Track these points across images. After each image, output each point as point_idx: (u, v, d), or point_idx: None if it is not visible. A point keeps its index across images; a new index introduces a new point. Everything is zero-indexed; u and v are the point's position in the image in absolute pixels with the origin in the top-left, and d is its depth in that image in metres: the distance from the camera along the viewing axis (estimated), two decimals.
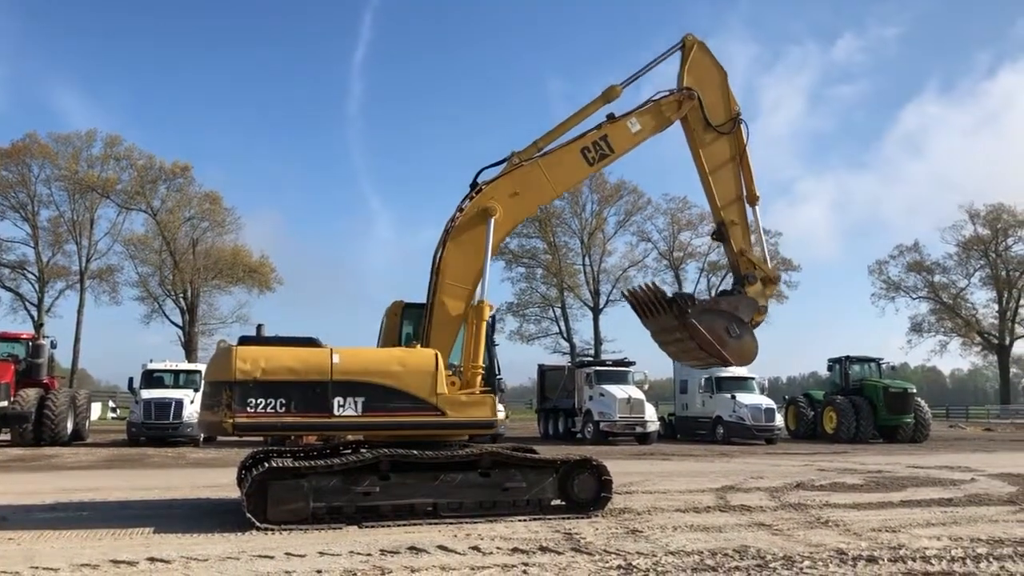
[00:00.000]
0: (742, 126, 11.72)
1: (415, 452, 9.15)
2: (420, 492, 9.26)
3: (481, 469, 9.48)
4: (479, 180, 10.75)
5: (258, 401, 8.83)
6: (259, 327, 10.02)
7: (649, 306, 11.37)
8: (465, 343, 10.16)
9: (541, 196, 11.08)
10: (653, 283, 11.74)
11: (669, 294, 11.25)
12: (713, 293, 66.31)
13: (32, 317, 55.62)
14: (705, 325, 10.88)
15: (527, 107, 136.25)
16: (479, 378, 10.00)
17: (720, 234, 11.77)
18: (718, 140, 11.60)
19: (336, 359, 9.15)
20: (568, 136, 11.15)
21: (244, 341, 9.32)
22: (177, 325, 58.61)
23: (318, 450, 10.13)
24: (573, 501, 9.84)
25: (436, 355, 9.58)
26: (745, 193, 11.76)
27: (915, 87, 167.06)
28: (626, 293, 11.88)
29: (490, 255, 10.28)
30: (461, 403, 9.55)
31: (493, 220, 10.28)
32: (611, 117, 11.18)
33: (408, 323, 11.34)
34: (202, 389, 9.68)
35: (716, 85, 11.69)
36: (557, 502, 9.85)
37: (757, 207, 11.89)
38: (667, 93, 11.46)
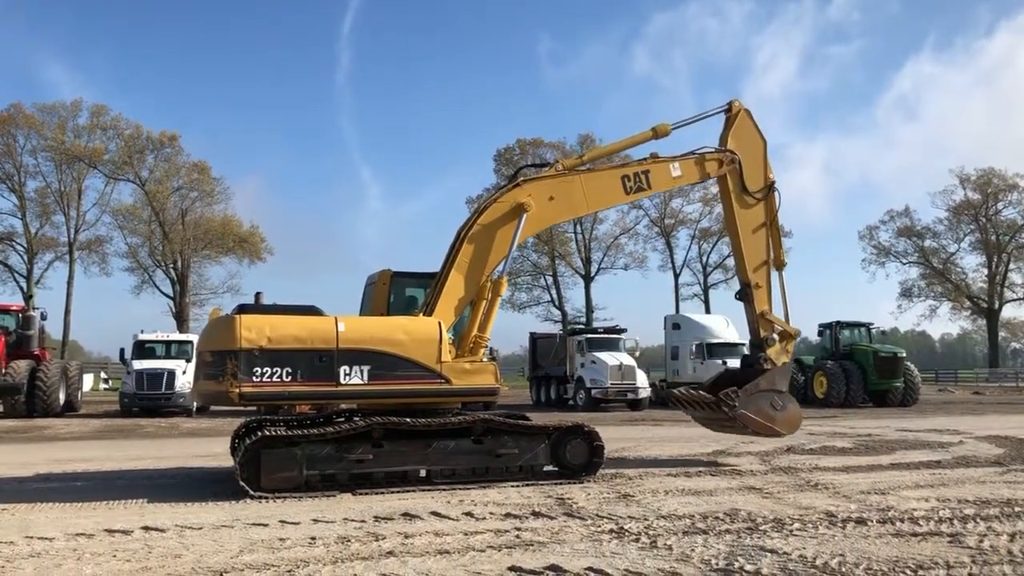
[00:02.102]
0: (775, 194, 12.23)
1: (408, 420, 9.19)
2: (413, 459, 9.30)
3: (474, 436, 9.53)
4: (520, 176, 11.07)
5: (264, 370, 8.80)
6: (257, 295, 9.94)
7: (696, 405, 12.00)
8: (475, 313, 10.28)
9: (574, 208, 11.38)
10: (697, 391, 12.39)
11: (711, 397, 11.60)
12: (704, 259, 66.85)
13: (21, 289, 55.33)
14: (753, 410, 11.33)
15: (517, 75, 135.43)
16: (482, 350, 10.09)
17: (744, 294, 12.24)
18: (754, 205, 12.07)
19: (342, 327, 9.14)
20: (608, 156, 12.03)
21: (243, 309, 9.25)
22: (168, 296, 58.45)
23: (311, 419, 10.15)
24: (565, 467, 9.92)
25: (439, 323, 9.61)
26: (772, 257, 12.27)
27: (912, 45, 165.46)
28: (671, 398, 12.57)
29: (514, 247, 10.48)
30: (465, 371, 9.61)
31: (526, 216, 10.46)
32: (654, 156, 11.66)
33: (395, 292, 11.32)
34: (199, 358, 9.57)
35: (756, 152, 12.23)
36: (549, 468, 9.91)
37: (783, 271, 12.44)
38: (711, 150, 11.96)
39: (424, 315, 9.95)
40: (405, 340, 9.32)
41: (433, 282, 10.42)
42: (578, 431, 10.04)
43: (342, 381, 9.05)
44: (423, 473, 9.42)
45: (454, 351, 9.88)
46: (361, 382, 9.12)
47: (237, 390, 8.71)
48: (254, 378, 8.76)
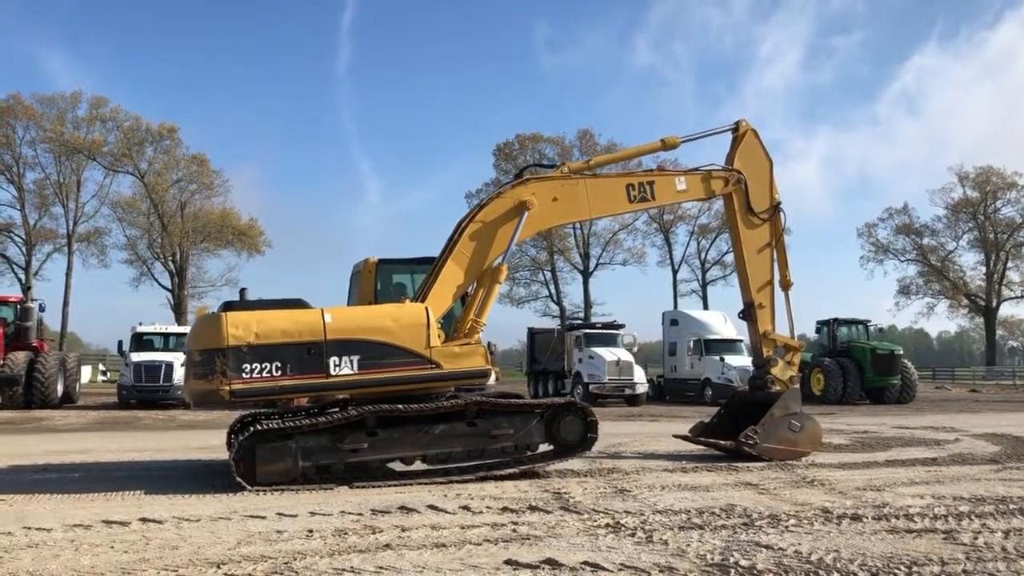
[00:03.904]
0: (781, 214, 12.26)
1: (400, 407, 9.17)
2: (408, 446, 9.27)
3: (467, 419, 9.50)
4: (526, 175, 11.08)
5: (253, 366, 8.77)
6: (242, 291, 9.99)
7: (717, 449, 12.11)
8: (473, 297, 10.33)
9: (577, 212, 11.38)
10: (713, 422, 12.50)
11: (732, 443, 11.59)
12: (702, 256, 66.89)
13: (20, 280, 55.39)
14: (774, 441, 11.34)
15: (516, 65, 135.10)
16: (477, 334, 10.10)
17: (747, 314, 12.25)
18: (759, 226, 12.11)
19: (328, 318, 9.12)
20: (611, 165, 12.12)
21: (228, 306, 9.23)
22: (166, 288, 58.56)
23: (304, 409, 10.17)
24: (560, 444, 9.88)
25: (426, 309, 9.60)
26: (778, 278, 12.28)
27: (919, 36, 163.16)
28: (697, 441, 12.54)
29: (514, 243, 10.47)
30: (455, 354, 9.60)
31: (527, 214, 10.45)
32: (662, 168, 11.79)
33: (382, 279, 11.30)
34: (188, 358, 9.54)
35: (763, 172, 12.24)
36: (545, 447, 9.90)
37: (790, 292, 12.39)
38: (718, 167, 12.00)
39: (419, 301, 9.93)
40: (393, 327, 9.30)
41: (429, 269, 10.43)
42: (571, 407, 10.03)
43: (332, 372, 9.03)
44: (419, 460, 9.42)
45: (443, 335, 9.88)
46: (352, 372, 9.11)
47: (227, 388, 8.69)
48: (244, 375, 8.74)
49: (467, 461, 9.48)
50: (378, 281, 11.26)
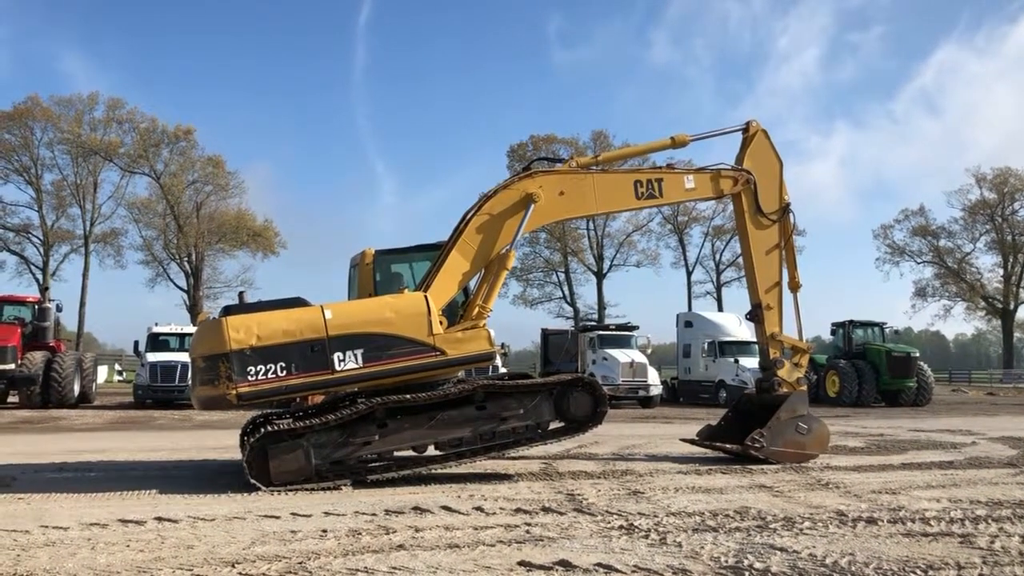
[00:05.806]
0: (790, 216, 12.22)
1: (408, 396, 9.17)
2: (419, 434, 9.29)
3: (476, 403, 9.49)
4: (533, 167, 11.08)
5: (258, 368, 8.82)
6: (240, 294, 10.10)
7: (723, 450, 12.11)
8: (481, 283, 10.34)
9: (583, 206, 11.32)
10: (720, 425, 12.53)
11: (739, 447, 11.51)
12: (717, 257, 66.66)
13: (37, 280, 55.73)
14: (781, 444, 11.30)
15: (530, 65, 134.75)
16: (484, 320, 10.09)
17: (755, 315, 12.19)
18: (768, 227, 12.09)
19: (328, 315, 9.15)
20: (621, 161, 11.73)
21: (228, 311, 9.27)
22: (182, 289, 58.86)
23: (315, 406, 10.19)
24: (571, 420, 9.85)
25: (425, 297, 9.59)
26: (787, 280, 12.29)
27: (942, 32, 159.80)
28: (704, 445, 12.58)
29: (519, 236, 10.45)
30: (458, 340, 9.61)
31: (533, 207, 10.45)
32: (671, 165, 11.78)
33: (381, 270, 11.31)
34: (192, 364, 9.57)
35: (772, 173, 12.19)
36: (556, 424, 9.86)
37: (798, 293, 12.37)
38: (727, 167, 11.97)
39: (422, 291, 9.92)
40: (394, 318, 9.31)
41: (433, 259, 10.41)
42: (578, 383, 10.00)
43: (337, 368, 9.06)
44: (432, 449, 9.42)
45: (446, 323, 9.88)
46: (357, 366, 9.12)
47: (234, 391, 8.75)
48: (249, 377, 8.79)
49: (479, 444, 9.46)
50: (377, 272, 11.26)
